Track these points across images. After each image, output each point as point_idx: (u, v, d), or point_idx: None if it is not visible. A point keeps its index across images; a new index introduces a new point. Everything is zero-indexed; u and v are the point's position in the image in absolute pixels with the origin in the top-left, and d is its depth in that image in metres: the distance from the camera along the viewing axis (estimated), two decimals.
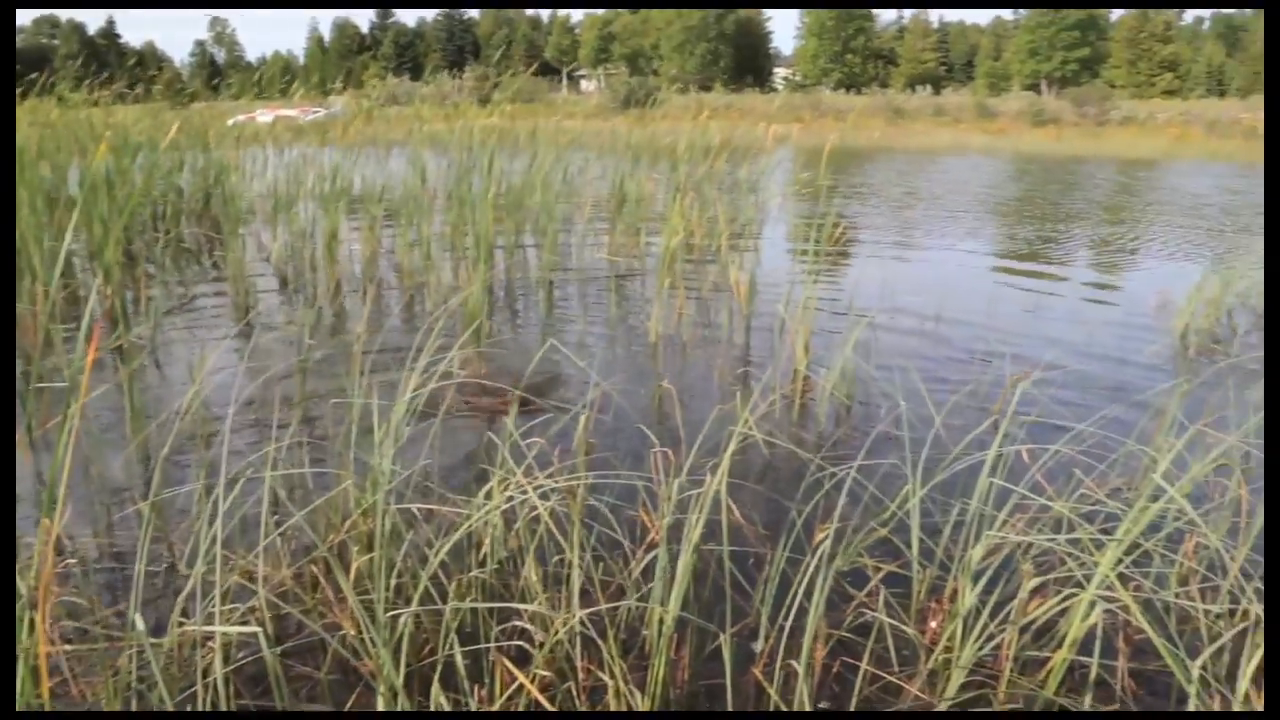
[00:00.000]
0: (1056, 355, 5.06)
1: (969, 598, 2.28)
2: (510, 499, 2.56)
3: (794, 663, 2.13)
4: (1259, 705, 2.13)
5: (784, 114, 33.08)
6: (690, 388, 4.54)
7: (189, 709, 2.03)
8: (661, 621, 2.21)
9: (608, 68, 68.58)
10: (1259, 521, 2.71)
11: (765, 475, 3.55)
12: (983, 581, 2.36)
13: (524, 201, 8.10)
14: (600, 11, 78.26)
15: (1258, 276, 6.73)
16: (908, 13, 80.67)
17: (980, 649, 2.23)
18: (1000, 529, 2.46)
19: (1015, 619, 2.31)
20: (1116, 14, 65.68)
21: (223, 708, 1.94)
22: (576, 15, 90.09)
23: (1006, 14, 76.46)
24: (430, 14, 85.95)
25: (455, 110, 12.30)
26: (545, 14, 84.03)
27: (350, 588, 2.11)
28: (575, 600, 2.28)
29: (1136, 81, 59.37)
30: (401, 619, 2.07)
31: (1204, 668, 2.09)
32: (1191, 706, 1.99)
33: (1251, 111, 39.90)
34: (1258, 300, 6.54)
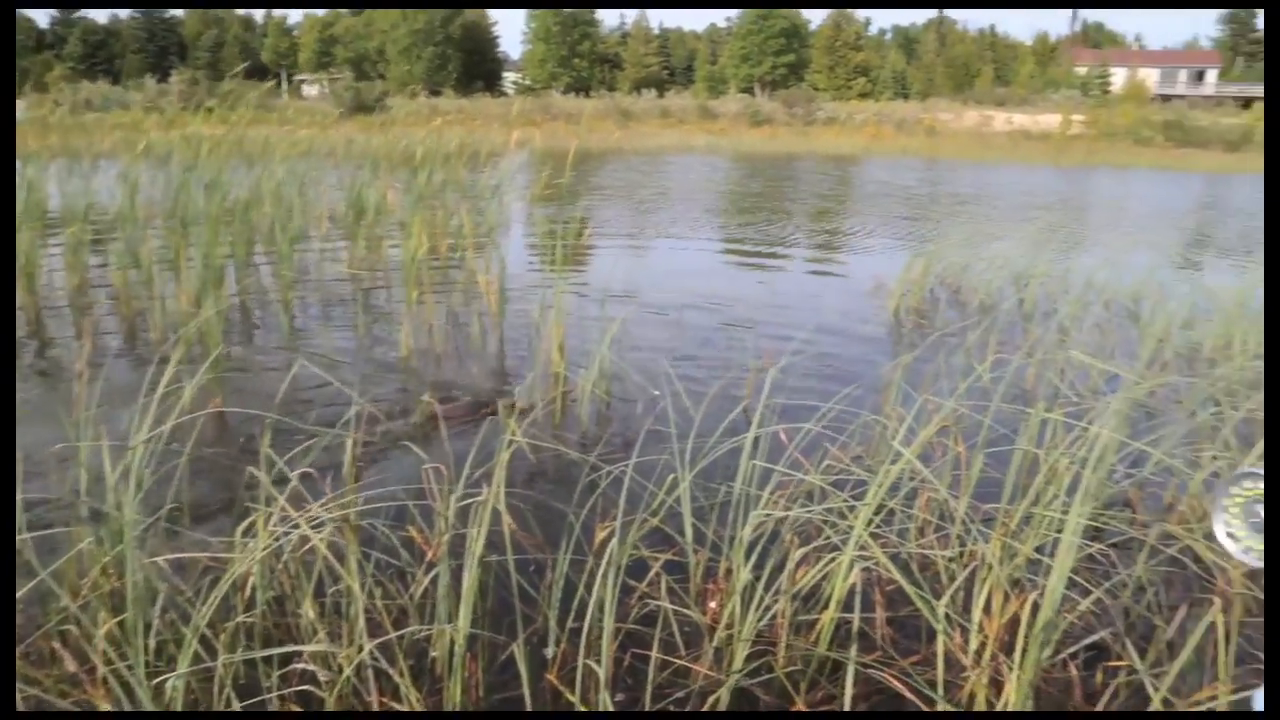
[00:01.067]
0: (793, 341, 5.46)
1: (743, 575, 2.42)
2: (277, 534, 2.40)
3: (590, 662, 2.16)
4: (990, 631, 2.43)
5: (518, 118, 33.27)
6: (452, 398, 4.46)
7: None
8: (452, 641, 2.17)
9: (331, 72, 65.55)
10: (975, 472, 3.08)
11: (536, 481, 3.57)
12: (754, 557, 2.51)
13: (253, 215, 7.58)
14: (321, 12, 74.65)
15: (954, 258, 7.63)
16: (630, 17, 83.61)
17: (759, 620, 2.38)
18: (764, 506, 2.63)
19: (786, 588, 2.48)
20: (816, 22, 71.63)
21: None
22: (295, 16, 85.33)
23: (721, 20, 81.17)
24: (125, 11, 77.62)
25: (167, 118, 11.29)
26: (260, 14, 78.71)
27: (100, 657, 1.90)
28: (360, 632, 2.18)
29: (836, 85, 64.99)
30: (169, 683, 1.89)
31: (947, 605, 2.35)
32: (939, 640, 2.23)
33: (929, 112, 45.00)
34: (954, 278, 7.41)
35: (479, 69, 70.64)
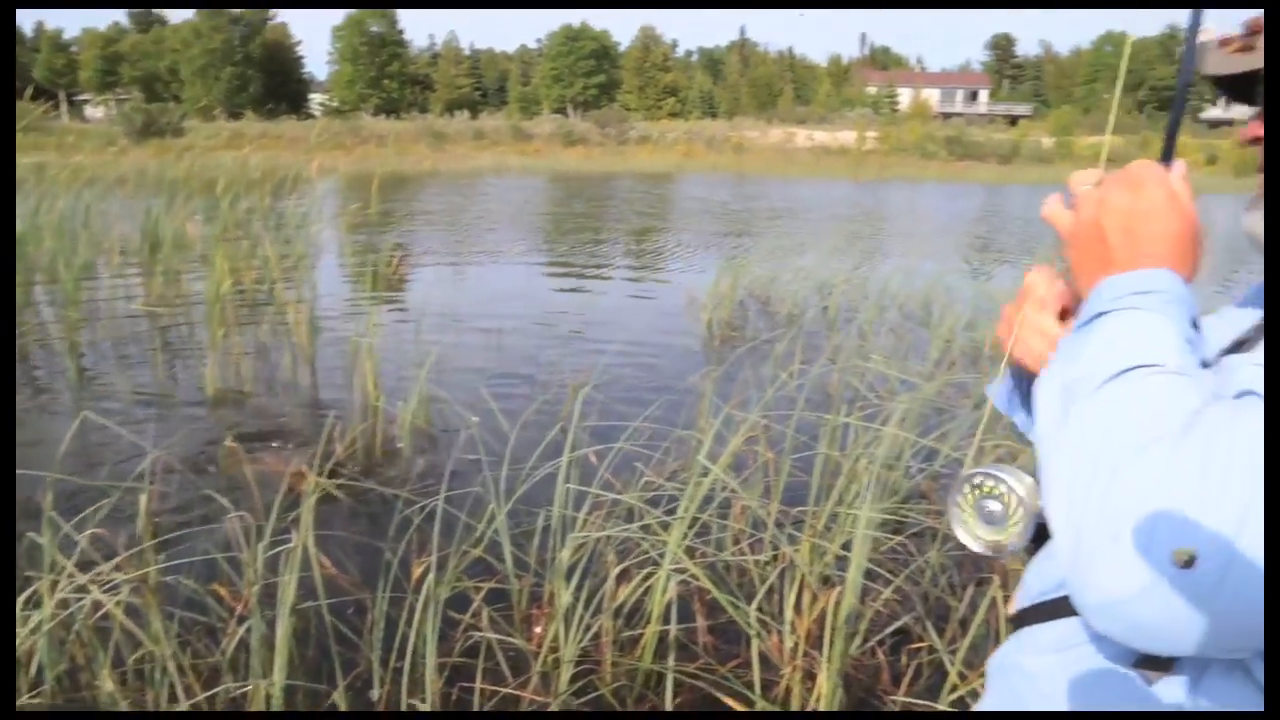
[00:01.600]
0: (611, 357, 5.57)
1: (565, 597, 2.45)
2: (66, 601, 2.23)
3: (414, 701, 2.13)
4: (801, 628, 2.57)
5: (326, 142, 32.17)
6: (260, 442, 4.27)
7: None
8: (268, 695, 2.09)
9: (118, 92, 61.12)
10: (784, 478, 3.25)
11: (355, 520, 3.47)
12: (575, 579, 2.55)
13: (30, 250, 6.98)
14: (102, 27, 69.41)
15: (762, 270, 8.00)
16: (440, 38, 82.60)
17: (581, 641, 2.42)
18: (581, 528, 2.67)
19: (607, 607, 2.53)
20: (625, 44, 73.25)
21: None
22: (72, 30, 78.69)
23: (532, 42, 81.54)
24: None
25: None
26: (29, 28, 72.14)
27: None
28: (166, 696, 2.06)
29: (646, 105, 66.67)
30: None
31: (759, 609, 2.48)
32: (754, 644, 2.34)
33: (736, 130, 46.89)
34: (762, 290, 7.77)
35: (283, 90, 67.75)
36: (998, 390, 1.06)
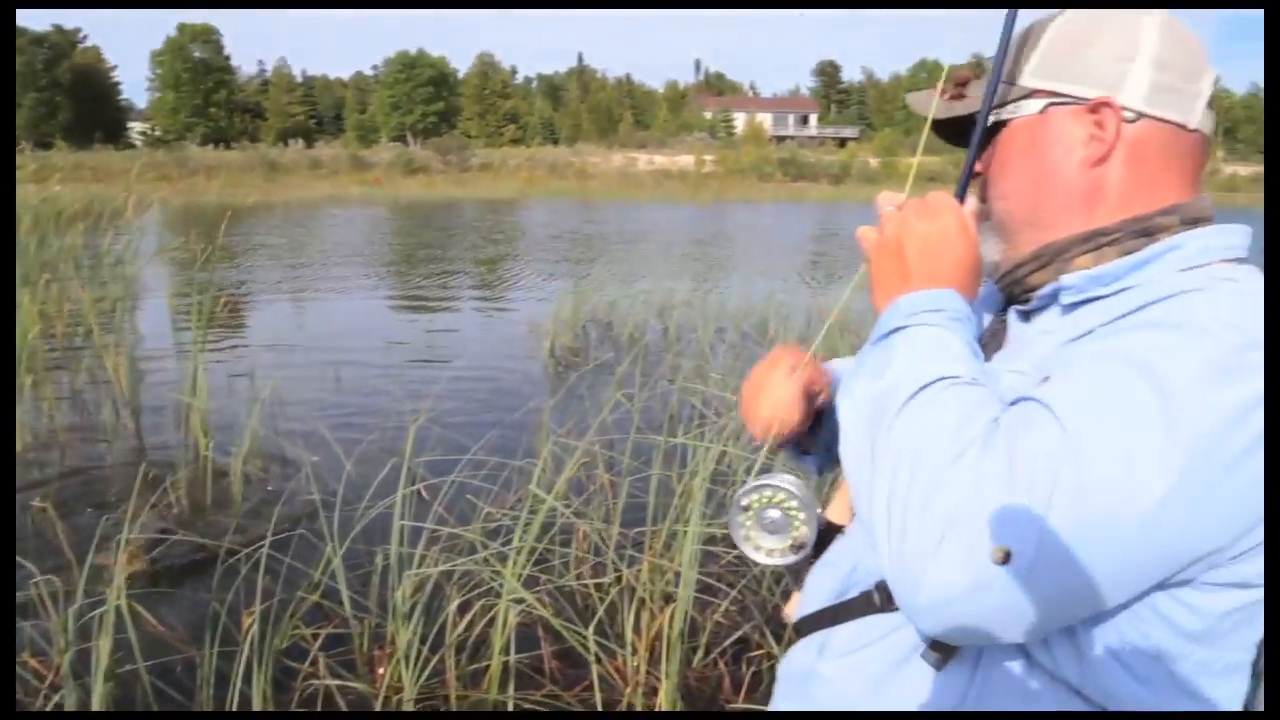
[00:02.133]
0: (451, 389, 5.54)
1: (404, 635, 2.43)
2: None
3: None
4: (643, 648, 2.64)
5: (149, 173, 30.40)
6: (76, 498, 4.00)
7: None
8: None
9: None
10: (623, 500, 3.33)
11: (183, 575, 3.31)
12: (416, 616, 2.53)
13: None
14: None
15: (604, 295, 8.12)
16: (269, 65, 79.68)
17: (425, 679, 2.40)
18: (419, 564, 2.66)
19: (450, 642, 2.53)
20: (463, 71, 72.74)
21: None
22: None
23: (368, 70, 79.71)
24: None
25: None
26: None
27: None
28: None
29: (487, 132, 66.51)
30: None
31: (600, 632, 2.53)
32: (593, 667, 2.39)
33: (579, 156, 47.40)
34: (604, 313, 7.89)
35: (98, 118, 63.59)
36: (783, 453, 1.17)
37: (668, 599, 2.91)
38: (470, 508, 3.19)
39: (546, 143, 65.04)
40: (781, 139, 63.46)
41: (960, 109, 0.92)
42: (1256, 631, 0.73)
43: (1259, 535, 0.67)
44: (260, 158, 41.28)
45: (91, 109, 63.55)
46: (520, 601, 2.55)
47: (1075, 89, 0.83)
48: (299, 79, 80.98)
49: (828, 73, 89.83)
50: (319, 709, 2.39)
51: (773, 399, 1.06)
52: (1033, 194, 0.86)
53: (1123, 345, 0.70)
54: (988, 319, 0.96)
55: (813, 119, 78.67)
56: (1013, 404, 0.72)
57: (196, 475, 4.20)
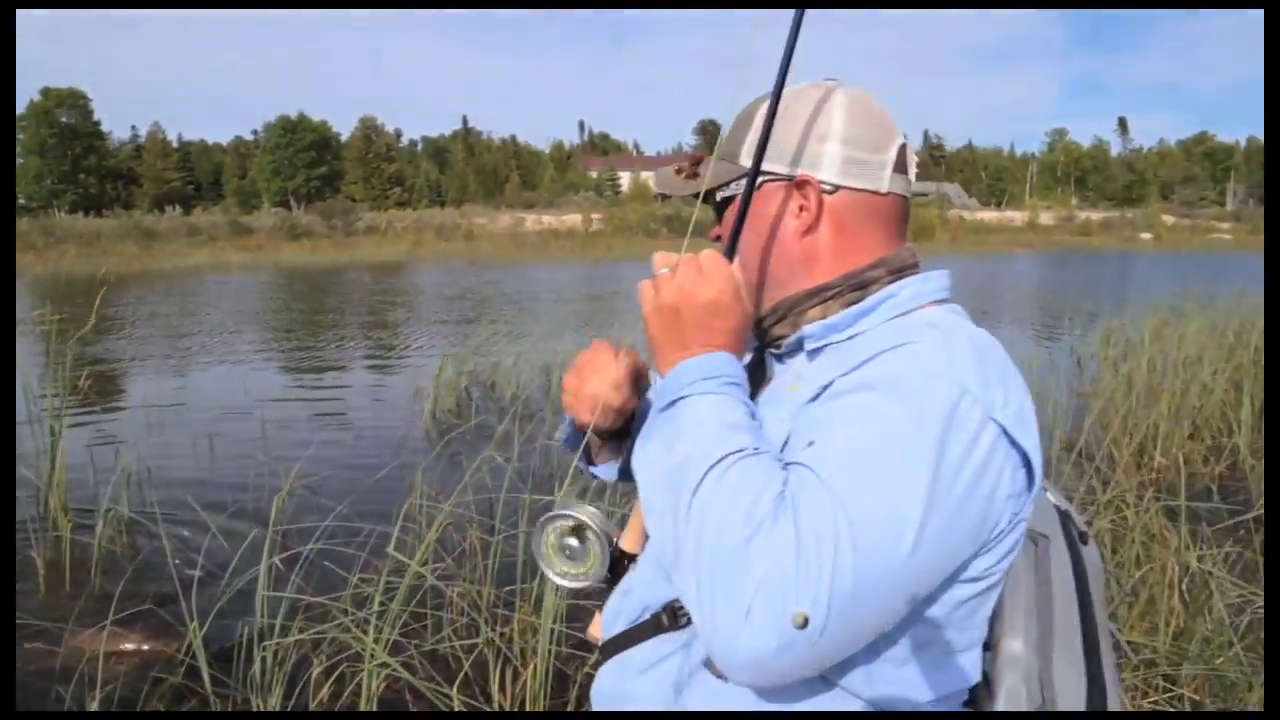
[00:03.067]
0: (329, 455, 5.48)
1: (268, 704, 2.41)
2: None
3: None
4: (509, 706, 2.68)
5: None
6: None
7: None
8: None
9: None
10: (496, 559, 3.37)
11: (28, 662, 3.17)
12: (279, 688, 2.51)
13: None
14: None
15: (488, 357, 8.16)
16: (143, 130, 77.19)
17: None
18: (281, 635, 2.64)
19: (315, 708, 2.51)
20: (345, 135, 72.07)
21: None
22: None
23: (247, 134, 78.09)
24: None
25: None
26: None
27: None
28: None
29: (373, 195, 65.83)
30: None
31: (465, 692, 2.56)
32: None
33: (466, 218, 47.42)
34: (487, 374, 7.92)
35: None
36: (563, 434, 1.25)
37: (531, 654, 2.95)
38: (338, 576, 3.18)
39: (433, 205, 64.72)
40: (665, 197, 64.74)
41: (693, 186, 1.05)
42: (987, 610, 0.89)
43: (990, 538, 0.82)
44: (135, 225, 39.75)
45: None
46: (385, 666, 2.55)
47: (781, 168, 0.97)
48: (174, 144, 78.73)
49: (709, 130, 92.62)
50: None
51: (602, 377, 1.10)
52: (762, 259, 0.99)
53: (865, 406, 0.82)
54: (748, 355, 1.08)
55: None
56: (787, 466, 0.82)
57: (57, 556, 4.03)
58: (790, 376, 0.98)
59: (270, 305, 17.17)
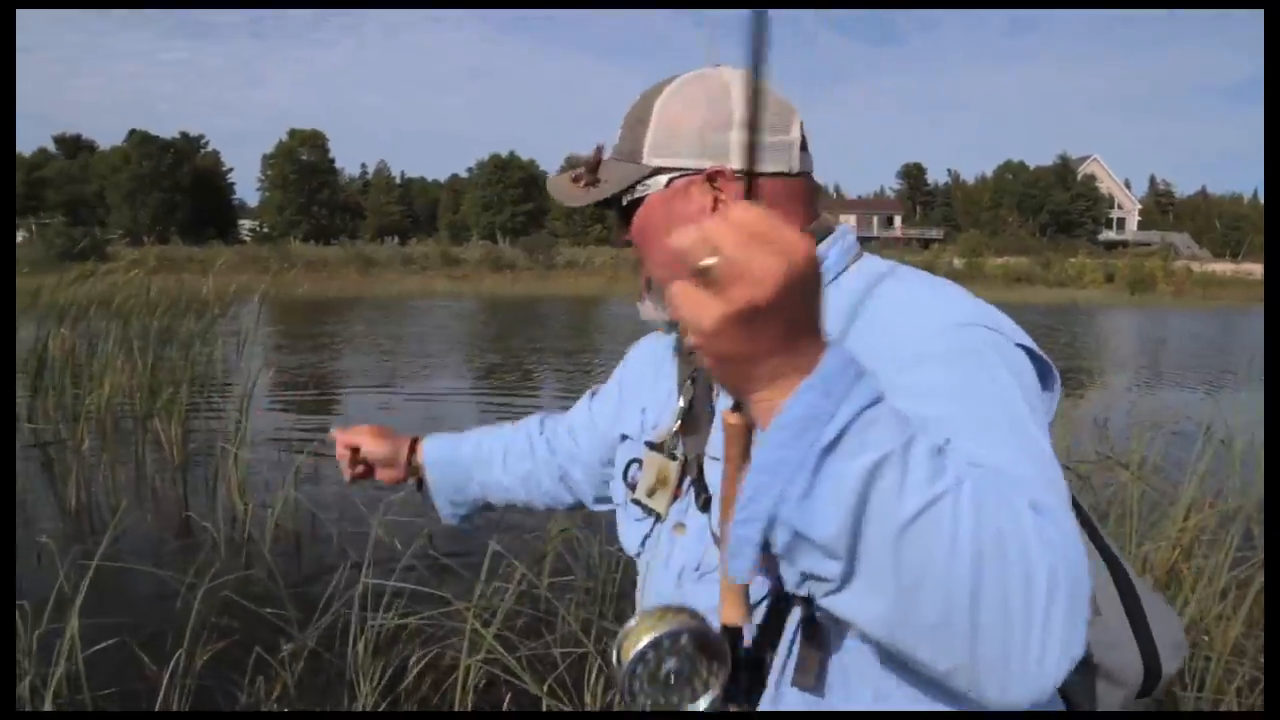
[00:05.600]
0: None
1: (363, 683, 2.53)
2: None
3: None
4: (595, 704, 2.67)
5: (251, 266, 32.17)
6: (130, 552, 4.24)
7: None
8: None
9: (40, 216, 60.53)
10: (609, 574, 3.38)
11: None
12: (377, 666, 2.63)
13: None
14: (27, 153, 69.29)
15: None
16: (370, 168, 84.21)
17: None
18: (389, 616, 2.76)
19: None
20: (553, 172, 75.34)
21: None
22: None
23: (463, 172, 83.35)
24: None
25: None
26: None
27: None
28: None
29: (574, 231, 68.39)
30: None
31: (560, 692, 2.58)
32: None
33: None
34: None
35: (212, 216, 67.95)
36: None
37: None
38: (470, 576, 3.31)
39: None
40: (865, 240, 63.47)
41: (596, 194, 1.00)
42: None
43: None
44: (357, 253, 43.28)
45: (207, 207, 67.94)
46: (491, 660, 2.62)
47: (691, 162, 0.94)
48: (398, 180, 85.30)
49: (912, 174, 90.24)
50: None
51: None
52: None
53: (947, 386, 0.78)
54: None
55: (897, 220, 78.76)
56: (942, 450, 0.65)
57: (231, 532, 4.41)
58: None
59: (473, 331, 18.16)
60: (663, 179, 0.95)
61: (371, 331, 16.85)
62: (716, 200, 0.93)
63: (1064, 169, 73.22)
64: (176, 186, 65.47)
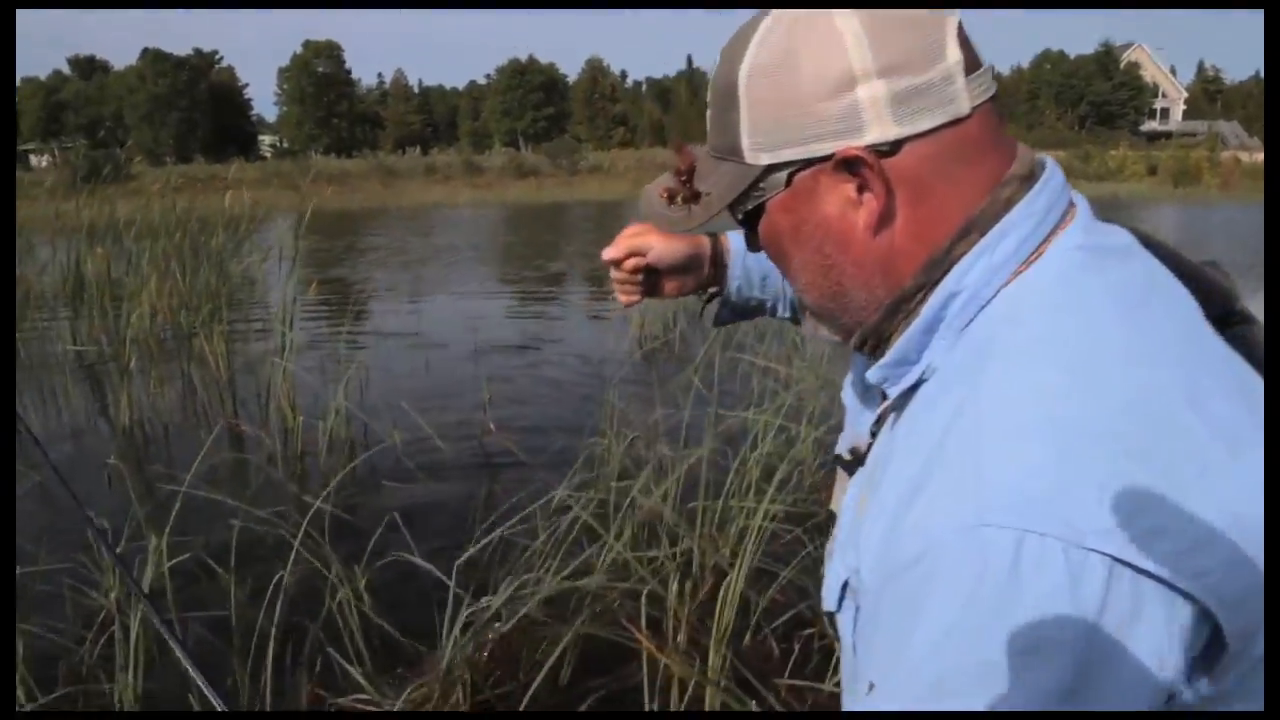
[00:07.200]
0: (536, 374, 5.64)
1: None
2: None
3: None
4: (683, 618, 2.60)
5: (275, 181, 31.92)
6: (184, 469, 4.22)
7: None
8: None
9: (62, 140, 60.32)
10: (680, 477, 3.29)
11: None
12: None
13: None
14: (43, 76, 68.73)
15: None
16: (388, 77, 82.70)
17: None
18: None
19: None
20: (572, 77, 73.84)
21: None
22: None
23: (480, 78, 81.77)
24: None
25: None
26: None
27: None
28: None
29: (597, 135, 67.18)
30: None
31: (647, 603, 2.50)
32: (643, 641, 2.37)
33: None
34: (694, 304, 7.84)
35: (233, 133, 67.37)
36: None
37: (719, 574, 2.87)
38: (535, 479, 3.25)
39: (656, 145, 65.24)
40: None
41: (703, 214, 0.75)
42: None
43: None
44: (379, 165, 42.82)
45: (227, 125, 67.32)
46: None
47: (810, 149, 0.65)
48: (415, 89, 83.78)
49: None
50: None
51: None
52: (824, 277, 0.70)
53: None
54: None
55: None
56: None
57: (285, 447, 4.39)
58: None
59: (501, 237, 17.97)
60: (780, 176, 0.67)
61: (401, 242, 16.70)
62: (861, 186, 0.65)
63: (1106, 57, 70.28)
64: (194, 104, 64.73)
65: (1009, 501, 0.51)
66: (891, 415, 0.69)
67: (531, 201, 30.07)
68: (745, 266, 1.11)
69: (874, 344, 0.70)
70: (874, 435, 0.74)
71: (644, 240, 1.05)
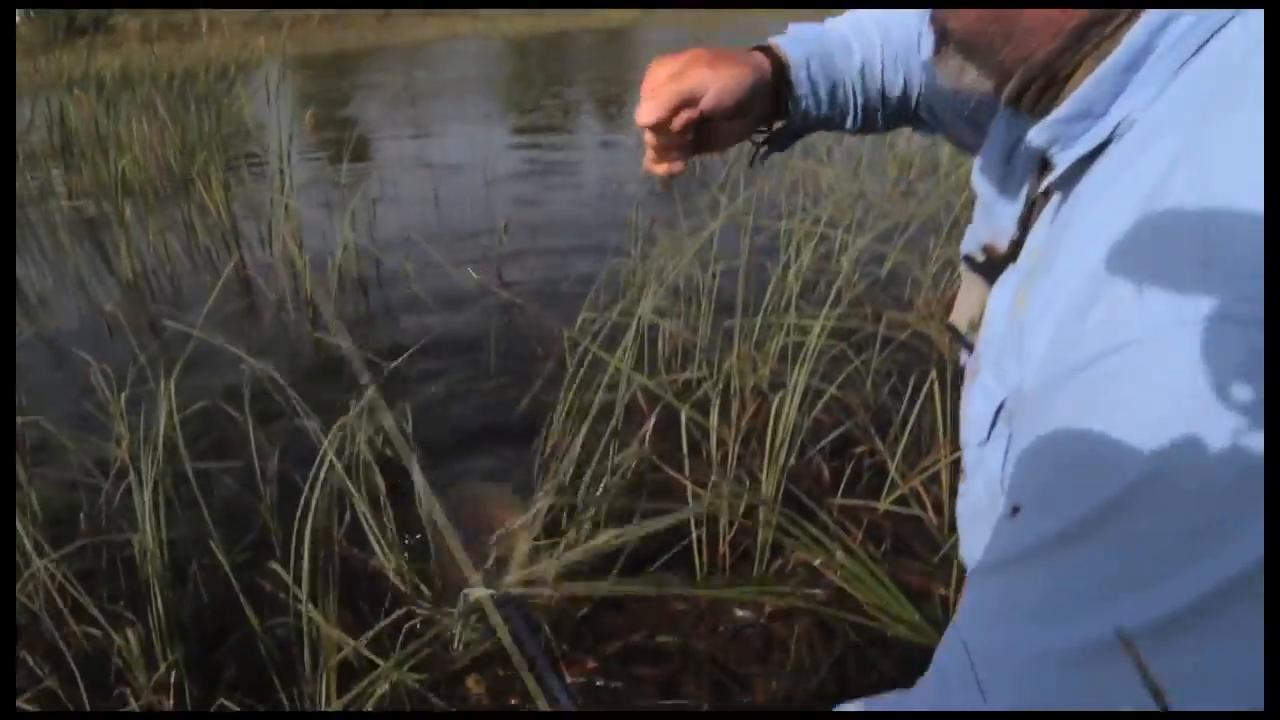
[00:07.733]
0: (551, 198, 5.38)
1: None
2: None
3: None
4: (730, 439, 2.45)
5: (262, 23, 30.52)
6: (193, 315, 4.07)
7: None
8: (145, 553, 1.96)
9: None
10: (714, 294, 3.08)
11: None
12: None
13: None
14: None
15: None
16: None
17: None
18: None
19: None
20: None
21: None
22: None
23: None
24: None
25: None
26: None
27: None
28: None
29: None
30: None
31: (699, 420, 2.34)
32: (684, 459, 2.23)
33: None
34: None
35: None
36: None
37: (760, 394, 2.72)
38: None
39: None
40: None
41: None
42: None
43: None
44: None
45: None
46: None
47: None
48: None
49: None
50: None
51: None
52: None
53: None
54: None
55: None
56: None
57: (295, 285, 4.22)
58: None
59: (502, 70, 17.18)
60: None
61: (405, 78, 15.93)
62: None
63: None
64: None
65: (1247, 291, 0.37)
66: (1055, 197, 0.53)
67: (532, 31, 28.70)
68: (811, 79, 0.85)
69: (1041, 88, 0.52)
70: (1023, 227, 0.59)
71: (692, 83, 0.75)
